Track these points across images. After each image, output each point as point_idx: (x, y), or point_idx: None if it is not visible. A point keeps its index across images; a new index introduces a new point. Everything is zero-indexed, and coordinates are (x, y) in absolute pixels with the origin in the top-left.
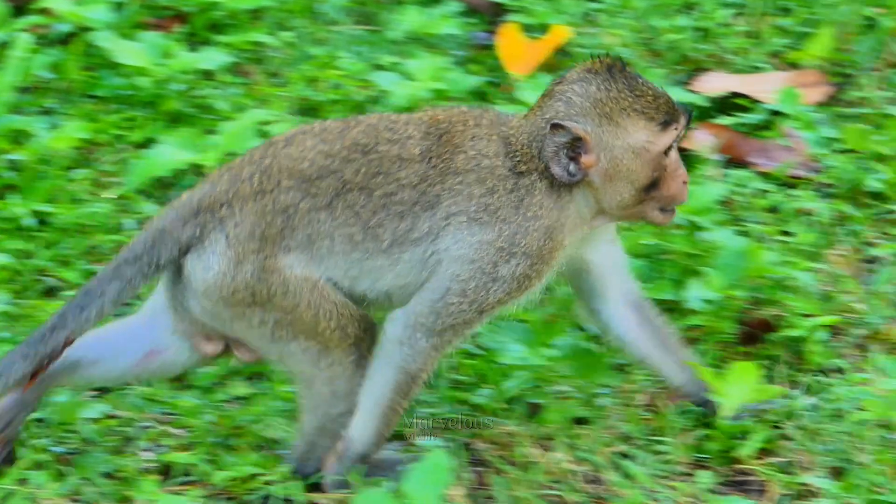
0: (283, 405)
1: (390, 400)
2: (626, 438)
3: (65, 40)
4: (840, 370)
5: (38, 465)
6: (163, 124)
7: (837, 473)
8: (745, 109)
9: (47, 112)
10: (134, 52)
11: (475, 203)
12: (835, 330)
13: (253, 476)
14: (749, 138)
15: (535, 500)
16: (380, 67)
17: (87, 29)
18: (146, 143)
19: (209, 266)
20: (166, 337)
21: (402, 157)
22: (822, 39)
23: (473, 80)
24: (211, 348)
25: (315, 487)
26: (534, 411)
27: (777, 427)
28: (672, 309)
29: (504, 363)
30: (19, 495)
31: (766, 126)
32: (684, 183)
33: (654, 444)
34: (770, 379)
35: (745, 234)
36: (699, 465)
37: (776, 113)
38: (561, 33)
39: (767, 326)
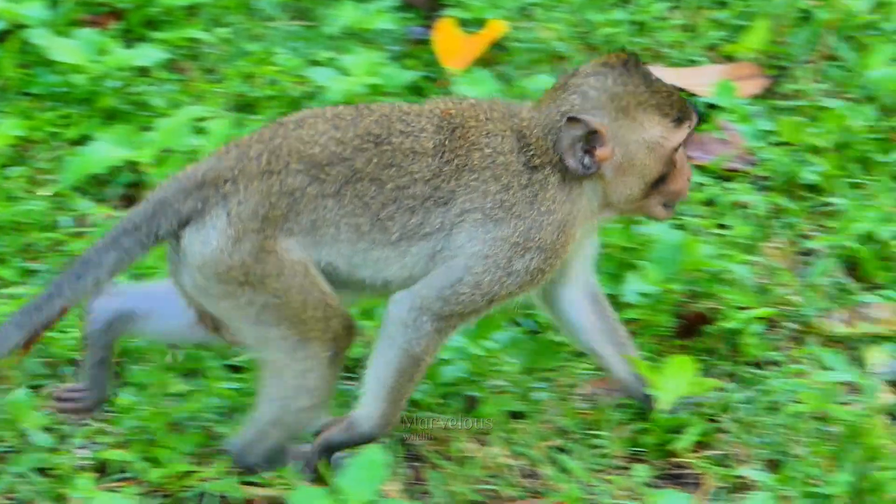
0: (220, 401)
1: (395, 382)
2: (563, 432)
3: (0, 38)
4: (776, 363)
5: None
6: (98, 121)
7: (773, 466)
8: None
9: None
10: (69, 49)
11: (490, 200)
12: (771, 322)
13: (188, 473)
14: None
15: (471, 494)
16: (316, 63)
17: (22, 26)
18: (82, 141)
19: (208, 241)
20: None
21: (415, 150)
22: (757, 32)
23: (409, 75)
24: (203, 325)
25: (250, 483)
26: (470, 406)
27: (713, 420)
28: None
29: (440, 357)
30: None
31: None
32: (688, 179)
33: (590, 438)
34: (706, 372)
35: (681, 227)
36: (635, 458)
37: (712, 106)
38: (497, 28)
39: (703, 319)
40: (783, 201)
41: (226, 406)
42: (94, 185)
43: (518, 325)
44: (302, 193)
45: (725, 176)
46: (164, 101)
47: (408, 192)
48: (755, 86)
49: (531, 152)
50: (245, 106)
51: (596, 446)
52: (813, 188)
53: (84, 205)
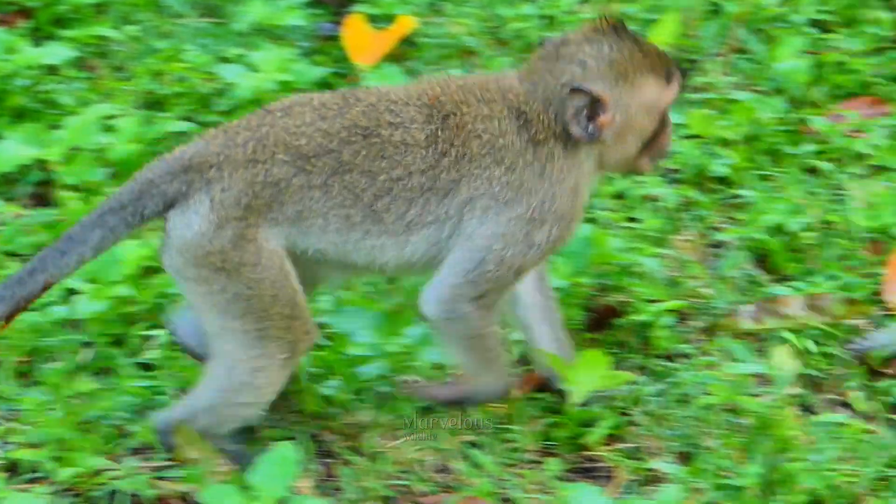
0: (131, 399)
1: (480, 358)
2: (475, 427)
3: None
4: (686, 355)
5: None
6: (7, 120)
7: (684, 458)
8: None
9: None
10: None
11: (497, 184)
12: (681, 315)
13: (100, 471)
14: None
15: (383, 490)
16: (225, 60)
17: None
18: None
19: (190, 224)
20: None
21: (406, 142)
22: (667, 25)
23: (319, 72)
24: None
25: (161, 478)
26: (383, 402)
27: (624, 413)
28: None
29: (352, 354)
30: None
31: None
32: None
33: (502, 433)
34: (618, 365)
35: (591, 220)
36: (547, 452)
37: None
38: (406, 23)
39: (614, 313)
40: (693, 194)
41: (137, 404)
42: (4, 184)
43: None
44: (287, 184)
45: None
46: (72, 99)
47: (403, 183)
48: None
49: (533, 128)
50: (154, 103)
51: (508, 440)
52: (723, 180)
53: None
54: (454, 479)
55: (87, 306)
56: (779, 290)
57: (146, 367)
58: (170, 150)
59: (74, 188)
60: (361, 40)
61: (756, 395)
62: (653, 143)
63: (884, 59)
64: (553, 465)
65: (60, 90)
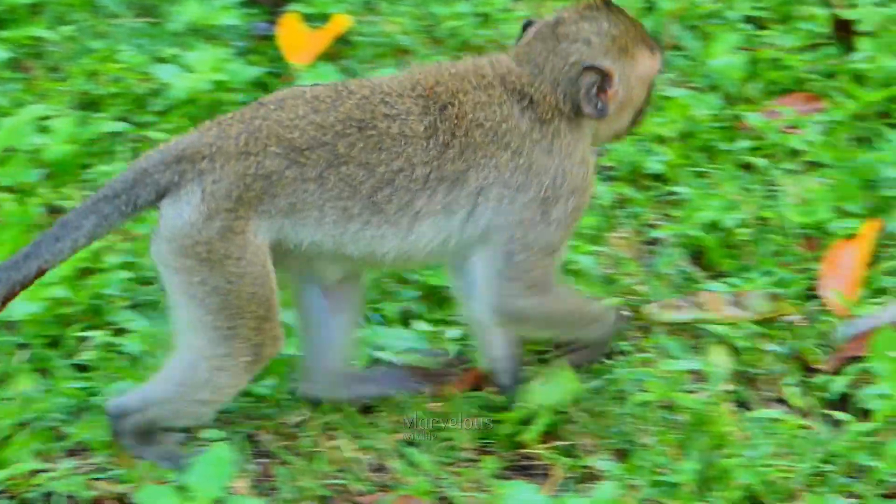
0: (67, 401)
1: (573, 322)
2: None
3: None
4: (622, 352)
5: None
6: None
7: (621, 455)
8: None
9: None
10: None
11: (506, 170)
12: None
13: (35, 473)
14: None
15: (319, 489)
16: (161, 60)
17: None
18: None
19: (180, 214)
20: None
21: (404, 133)
22: None
23: (254, 71)
24: None
25: (98, 479)
26: (318, 401)
27: (561, 411)
28: (439, 297)
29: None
30: None
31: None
32: None
33: (439, 431)
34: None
35: None
36: (484, 450)
37: None
38: (341, 22)
39: None
40: (628, 191)
41: (73, 405)
42: None
43: (367, 318)
44: (280, 176)
45: None
46: (7, 100)
47: (406, 174)
48: None
49: (538, 108)
50: (89, 104)
51: (445, 439)
52: (658, 178)
53: None
54: (391, 478)
55: (22, 307)
56: (714, 286)
57: (82, 368)
58: (109, 151)
59: (9, 189)
60: (296, 39)
61: (691, 392)
62: (639, 113)
63: (818, 55)
64: (490, 463)
65: None
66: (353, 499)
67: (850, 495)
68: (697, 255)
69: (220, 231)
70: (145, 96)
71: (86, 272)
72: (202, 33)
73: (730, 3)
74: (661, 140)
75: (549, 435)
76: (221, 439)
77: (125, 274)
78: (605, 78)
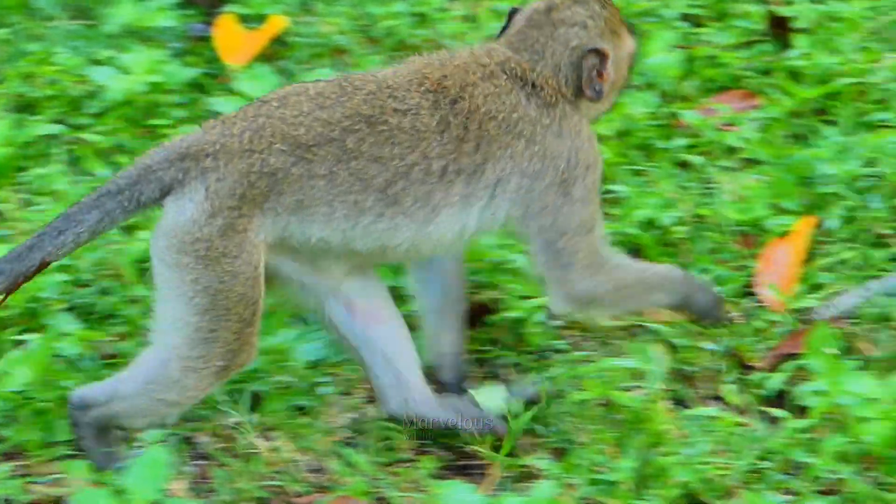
0: (3, 405)
1: (648, 290)
2: (349, 427)
3: None
4: (559, 351)
5: None
6: None
7: (559, 454)
8: None
9: None
10: None
11: (522, 159)
12: None
13: None
14: None
15: (256, 491)
16: (96, 62)
17: None
18: None
19: (183, 210)
20: None
21: (417, 128)
22: None
23: (191, 73)
24: None
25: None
26: (256, 402)
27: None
28: (393, 296)
29: None
30: None
31: None
32: None
33: (377, 431)
34: (491, 362)
35: None
36: (422, 450)
37: None
38: (278, 23)
39: (487, 310)
40: None
41: (9, 409)
42: None
43: (305, 322)
44: (285, 173)
45: None
46: None
47: (420, 168)
48: None
49: (543, 94)
50: (25, 106)
51: (382, 439)
52: None
53: None
54: (328, 479)
55: None
56: None
57: None
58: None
59: None
60: (233, 40)
61: (629, 390)
62: (620, 93)
63: (754, 53)
64: (428, 463)
65: None
66: (290, 500)
67: (787, 492)
68: (635, 253)
69: (222, 229)
70: (81, 98)
71: None
72: (138, 35)
73: (666, 2)
74: (598, 138)
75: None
76: (158, 441)
77: (61, 277)
78: (602, 60)
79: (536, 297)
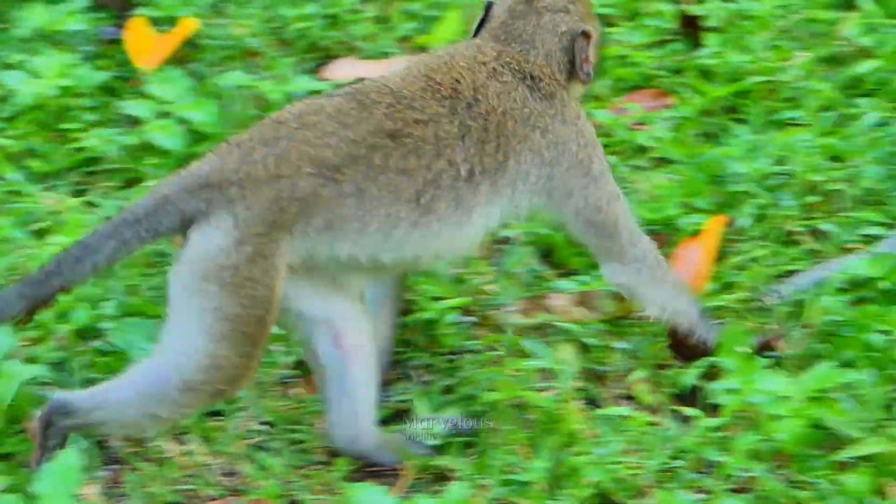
0: None
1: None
2: (263, 430)
3: None
4: (472, 351)
5: None
6: None
7: (472, 455)
8: None
9: None
10: None
11: (542, 150)
12: (466, 311)
13: None
14: None
15: (170, 495)
16: (7, 66)
17: None
18: None
19: (211, 239)
20: None
21: (439, 136)
22: (449, 22)
23: (102, 76)
24: None
25: None
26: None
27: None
28: None
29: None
30: None
31: None
32: None
33: (290, 434)
34: (405, 365)
35: None
36: (335, 453)
37: None
38: (189, 25)
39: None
40: None
41: None
42: None
43: None
44: (316, 196)
45: None
46: None
47: (448, 174)
48: None
49: (542, 84)
50: None
51: (296, 442)
52: None
53: None
54: (241, 483)
55: None
56: (564, 284)
57: None
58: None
59: None
60: (143, 43)
61: (541, 391)
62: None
63: (666, 52)
64: (341, 466)
65: None
66: None
67: (700, 490)
68: (547, 254)
69: (251, 256)
70: None
71: None
72: (49, 39)
73: None
74: None
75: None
76: (70, 446)
77: None
78: (587, 42)
79: (449, 298)
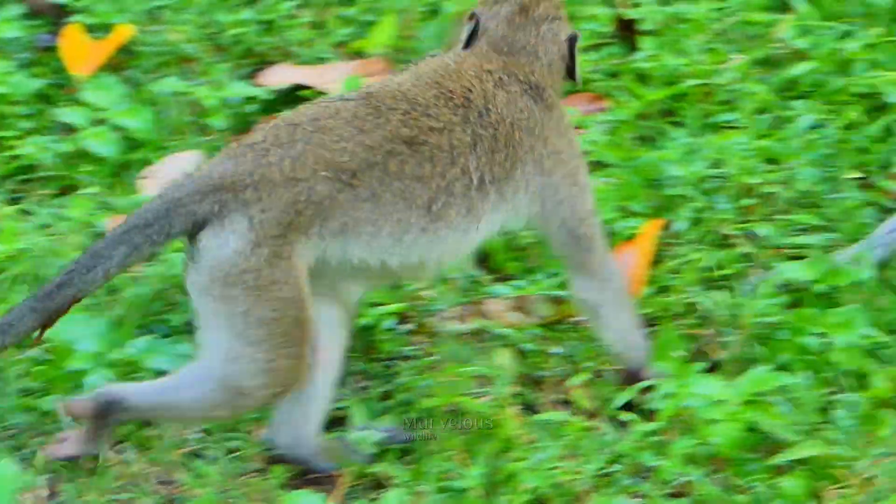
0: None
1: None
2: (199, 438)
3: None
4: (408, 357)
5: None
6: None
7: (409, 461)
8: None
9: None
10: None
11: (542, 160)
12: (403, 317)
13: None
14: None
15: None
16: None
17: None
18: None
19: (226, 243)
20: None
21: (453, 144)
22: (385, 28)
23: (37, 83)
24: None
25: None
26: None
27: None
28: None
29: (74, 368)
30: None
31: None
32: None
33: (227, 441)
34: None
35: None
36: (273, 459)
37: None
38: (124, 32)
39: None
40: None
41: None
42: None
43: (151, 331)
44: (332, 200)
45: None
46: None
47: (461, 182)
48: None
49: (544, 94)
50: None
51: (233, 450)
52: None
53: None
54: (178, 491)
55: None
56: (500, 289)
57: None
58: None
59: None
60: (79, 50)
61: (477, 396)
62: None
63: (602, 55)
64: (277, 473)
65: None
66: None
67: (637, 495)
68: (483, 259)
69: (269, 258)
70: None
71: None
72: None
73: None
74: None
75: None
76: (7, 455)
77: None
78: (575, 45)
79: (386, 304)
